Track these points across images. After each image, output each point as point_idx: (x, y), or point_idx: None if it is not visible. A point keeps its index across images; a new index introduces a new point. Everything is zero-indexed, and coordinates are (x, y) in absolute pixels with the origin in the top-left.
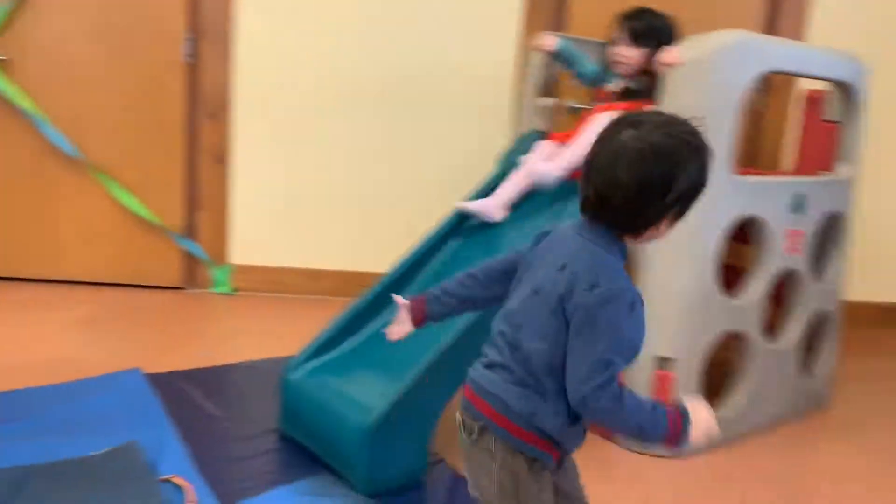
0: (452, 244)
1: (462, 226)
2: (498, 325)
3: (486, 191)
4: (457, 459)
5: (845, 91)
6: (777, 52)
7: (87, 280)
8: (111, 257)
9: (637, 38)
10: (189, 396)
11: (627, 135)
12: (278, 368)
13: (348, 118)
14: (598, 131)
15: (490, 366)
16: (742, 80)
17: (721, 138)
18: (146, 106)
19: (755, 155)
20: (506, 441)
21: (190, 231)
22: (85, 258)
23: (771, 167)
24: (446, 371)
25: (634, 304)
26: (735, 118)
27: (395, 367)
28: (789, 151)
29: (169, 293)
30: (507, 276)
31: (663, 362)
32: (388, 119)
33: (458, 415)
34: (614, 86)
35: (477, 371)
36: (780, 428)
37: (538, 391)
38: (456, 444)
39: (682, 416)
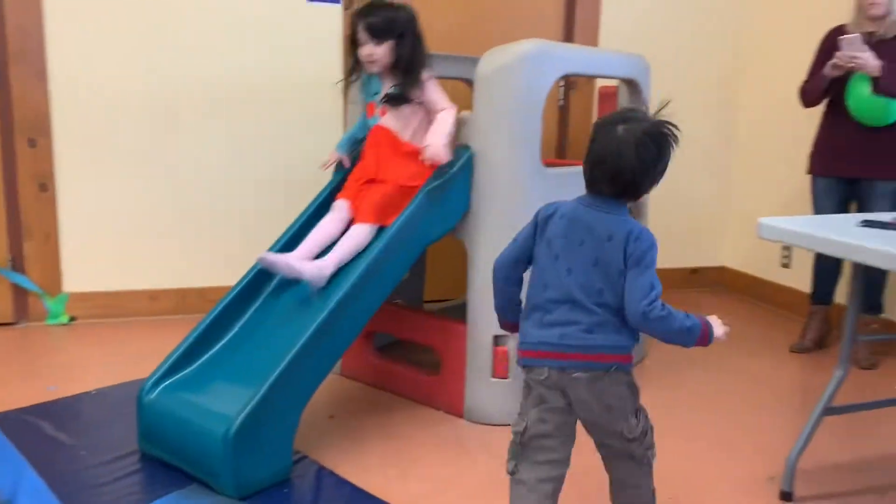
0: None
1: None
2: (569, 295)
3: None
4: (319, 454)
5: (632, 86)
6: (571, 57)
7: None
8: None
9: (377, 33)
10: (39, 430)
11: (622, 128)
12: (129, 392)
13: (175, 133)
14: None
15: (589, 329)
16: (543, 84)
17: (529, 135)
18: None
19: (565, 147)
20: (623, 368)
21: (17, 263)
22: None
23: (581, 158)
24: (302, 372)
25: (655, 244)
26: (539, 117)
27: (251, 374)
28: None
29: (0, 330)
30: (523, 260)
31: (500, 339)
32: (218, 132)
33: (546, 376)
34: (382, 94)
35: (576, 338)
36: None
37: (624, 327)
38: (318, 439)
39: (706, 322)
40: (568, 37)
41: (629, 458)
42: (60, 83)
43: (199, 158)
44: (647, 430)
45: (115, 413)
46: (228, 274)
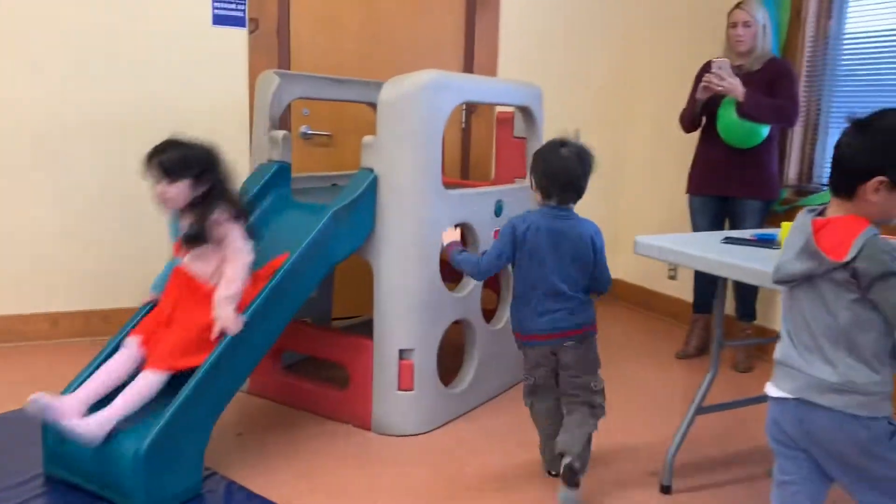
0: None
1: None
2: (554, 288)
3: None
4: (230, 471)
5: (526, 113)
6: (468, 87)
7: None
8: None
9: (168, 172)
10: None
11: (565, 150)
12: (22, 420)
13: (78, 154)
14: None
15: (573, 311)
16: (441, 111)
17: (430, 159)
18: None
19: (468, 167)
20: (595, 334)
21: None
22: None
23: (484, 178)
24: (211, 390)
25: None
26: (439, 142)
27: (159, 393)
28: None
29: None
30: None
31: (404, 353)
32: (116, 154)
33: (542, 351)
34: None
35: (564, 321)
36: (505, 393)
37: (591, 303)
38: (228, 455)
39: None
40: (468, 63)
41: (590, 406)
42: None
43: (106, 182)
44: (604, 386)
45: (17, 438)
46: (133, 296)
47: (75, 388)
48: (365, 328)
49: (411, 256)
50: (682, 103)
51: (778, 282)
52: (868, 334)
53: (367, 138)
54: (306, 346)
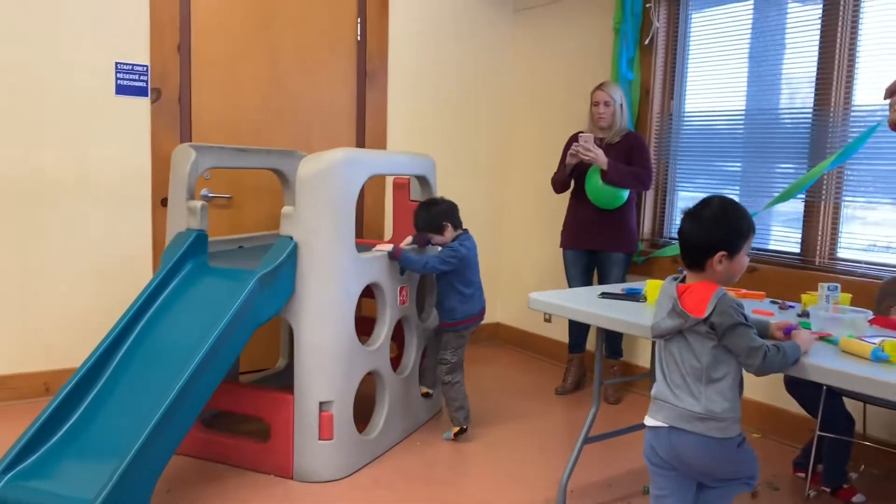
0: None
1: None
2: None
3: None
4: None
5: (422, 180)
6: (375, 161)
7: None
8: None
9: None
10: None
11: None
12: None
13: None
14: None
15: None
16: (354, 184)
17: (344, 227)
18: None
19: (363, 226)
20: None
21: None
22: None
23: (377, 236)
24: (152, 453)
25: None
26: (352, 211)
27: (100, 457)
28: (387, 223)
29: None
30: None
31: (324, 404)
32: (15, 219)
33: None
34: None
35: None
36: (413, 435)
37: None
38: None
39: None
40: (360, 132)
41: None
42: None
43: (3, 247)
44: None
45: None
46: (33, 361)
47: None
48: (273, 381)
49: (330, 315)
50: (552, 169)
51: (655, 337)
52: (724, 372)
53: (287, 209)
54: (227, 403)
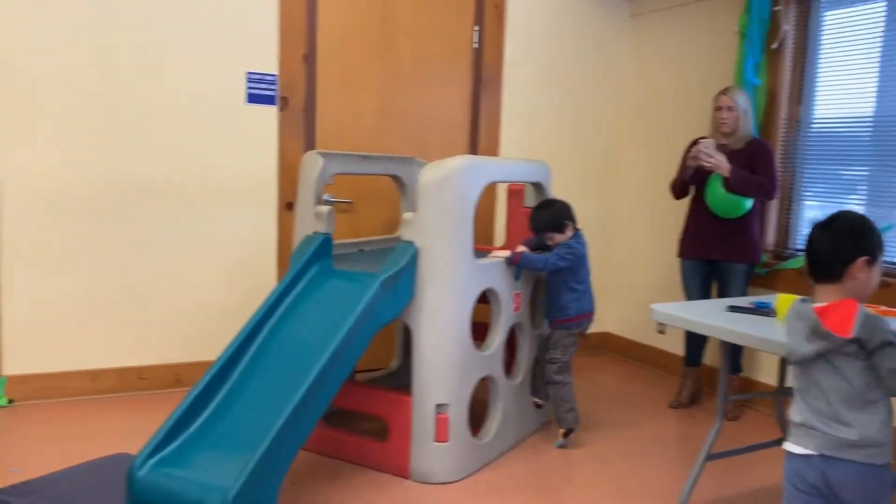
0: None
1: (281, 303)
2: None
3: (284, 292)
4: None
5: (538, 187)
6: (494, 168)
7: None
8: None
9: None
10: None
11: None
12: (96, 470)
13: (117, 221)
14: None
15: None
16: (474, 191)
17: (463, 234)
18: None
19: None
20: None
21: None
22: None
23: (487, 242)
24: (283, 446)
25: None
26: (471, 218)
27: (236, 447)
28: (500, 229)
29: None
30: None
31: (441, 407)
32: (158, 222)
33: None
34: None
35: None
36: (523, 442)
37: None
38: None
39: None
40: (473, 138)
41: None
42: (8, 175)
43: (139, 247)
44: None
45: (92, 490)
46: (166, 354)
47: (159, 439)
48: (387, 381)
49: (447, 320)
50: (668, 176)
51: (795, 363)
52: (877, 392)
53: (408, 215)
54: (347, 401)
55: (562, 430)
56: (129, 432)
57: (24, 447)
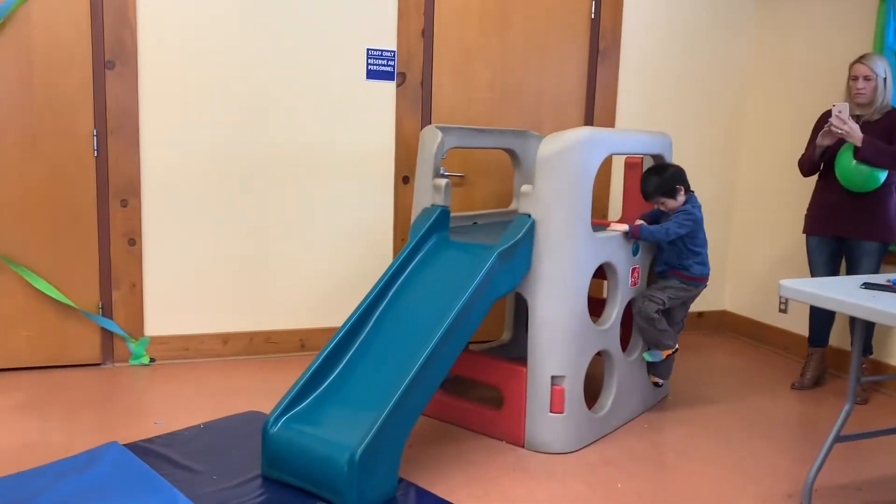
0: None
1: (402, 273)
2: None
3: (404, 262)
4: (412, 477)
5: (659, 159)
6: (614, 140)
7: (5, 367)
8: (30, 340)
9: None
10: (171, 459)
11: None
12: (232, 424)
13: (247, 192)
14: None
15: None
16: (593, 163)
17: (582, 206)
18: (59, 198)
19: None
20: None
21: (106, 310)
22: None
23: (600, 216)
24: (407, 406)
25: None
26: (590, 190)
27: (362, 407)
28: (615, 203)
29: (91, 370)
30: None
31: (556, 379)
32: (285, 194)
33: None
34: None
35: None
36: (639, 418)
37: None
38: (406, 465)
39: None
40: (588, 111)
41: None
42: (150, 152)
43: (267, 217)
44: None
45: (228, 443)
46: (291, 319)
47: (290, 398)
48: (499, 353)
49: (564, 292)
50: (794, 149)
51: None
52: None
53: (526, 187)
54: (464, 369)
55: (666, 351)
56: (258, 392)
57: (166, 402)
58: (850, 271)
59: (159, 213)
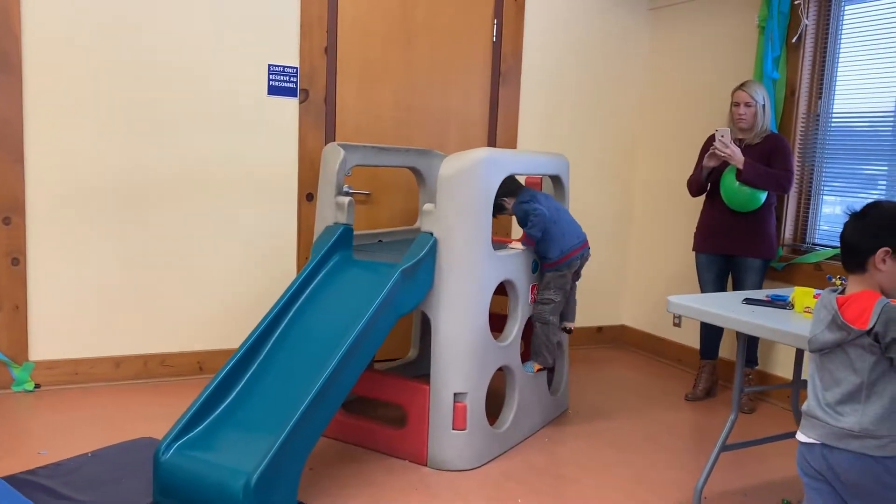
0: (296, 309)
1: (303, 292)
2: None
3: (305, 281)
4: (312, 501)
5: (556, 180)
6: (514, 160)
7: None
8: None
9: None
10: (55, 491)
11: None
12: (123, 452)
13: (142, 209)
14: None
15: None
16: (493, 182)
17: (482, 225)
18: None
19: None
20: None
21: None
22: None
23: (505, 234)
24: (305, 431)
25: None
26: (490, 209)
27: (258, 433)
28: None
29: None
30: None
31: (458, 396)
32: (180, 213)
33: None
34: None
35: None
36: (540, 432)
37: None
38: (306, 488)
39: None
40: (492, 131)
41: None
42: (36, 167)
43: (163, 235)
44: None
45: (117, 472)
46: (189, 341)
47: (184, 423)
48: (405, 370)
49: (466, 310)
50: (684, 170)
51: (813, 351)
52: (886, 388)
53: (428, 206)
54: (367, 389)
55: (538, 366)
56: (152, 417)
57: (52, 430)
58: (735, 287)
59: (46, 231)
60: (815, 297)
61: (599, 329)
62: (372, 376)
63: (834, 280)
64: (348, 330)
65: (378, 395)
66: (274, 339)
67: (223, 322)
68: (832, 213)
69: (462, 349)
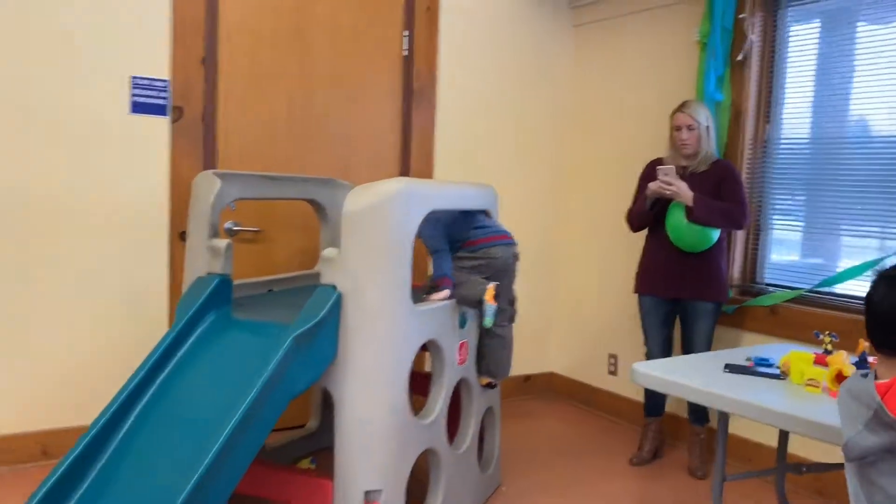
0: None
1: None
2: None
3: (172, 346)
4: None
5: (485, 213)
6: (435, 193)
7: None
8: None
9: None
10: None
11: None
12: None
13: None
14: None
15: None
16: (412, 221)
17: (400, 273)
18: None
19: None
20: None
21: None
22: None
23: (421, 277)
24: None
25: None
26: (410, 254)
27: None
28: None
29: None
30: None
31: (372, 494)
32: (16, 250)
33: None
34: None
35: None
36: None
37: None
38: None
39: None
40: (405, 158)
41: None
42: None
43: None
44: None
45: None
46: (28, 419)
47: None
48: (303, 446)
49: (380, 383)
50: (619, 200)
51: (851, 460)
52: None
53: (330, 251)
54: (252, 486)
55: (487, 381)
56: None
57: None
58: (684, 332)
59: None
60: (814, 363)
61: (527, 378)
62: (259, 469)
63: (822, 337)
64: (229, 413)
65: (266, 493)
66: (133, 418)
67: (73, 395)
68: (882, 268)
69: (375, 435)
